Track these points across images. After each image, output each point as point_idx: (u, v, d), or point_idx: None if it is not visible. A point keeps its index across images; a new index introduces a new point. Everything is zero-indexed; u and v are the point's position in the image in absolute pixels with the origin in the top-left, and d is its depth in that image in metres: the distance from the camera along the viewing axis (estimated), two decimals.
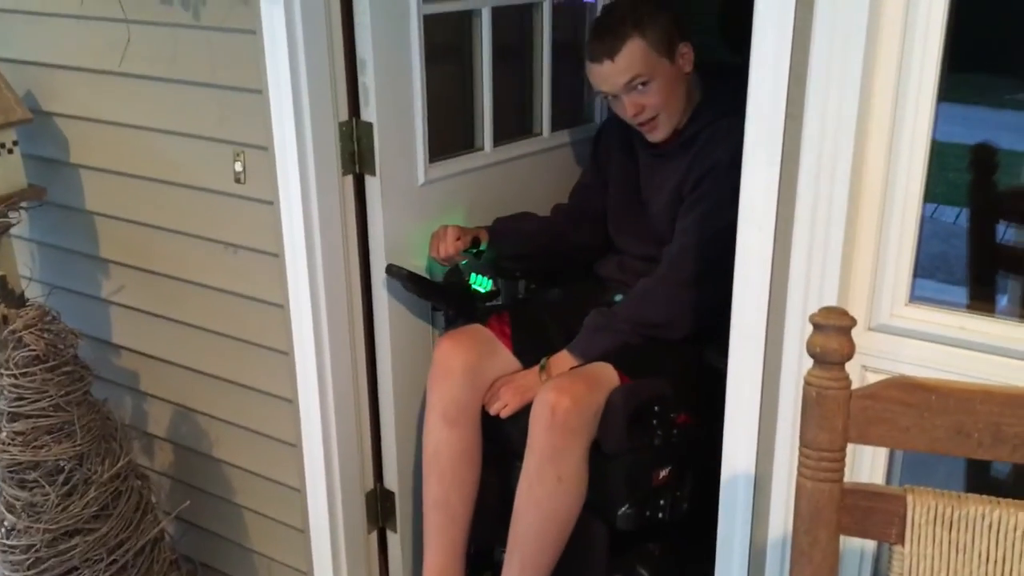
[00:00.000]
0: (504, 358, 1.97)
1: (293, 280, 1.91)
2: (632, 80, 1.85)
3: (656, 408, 1.77)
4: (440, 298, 2.06)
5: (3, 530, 2.03)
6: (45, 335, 1.95)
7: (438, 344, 1.96)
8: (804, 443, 0.97)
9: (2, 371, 1.97)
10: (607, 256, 2.15)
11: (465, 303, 2.07)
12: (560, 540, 1.81)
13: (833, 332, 0.94)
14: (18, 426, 1.96)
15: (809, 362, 0.97)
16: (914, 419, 0.94)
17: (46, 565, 1.98)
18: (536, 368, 1.90)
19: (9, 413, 1.96)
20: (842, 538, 1.08)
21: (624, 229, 2.11)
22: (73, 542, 1.98)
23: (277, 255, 1.92)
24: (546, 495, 1.76)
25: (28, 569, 1.98)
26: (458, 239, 1.98)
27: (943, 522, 0.94)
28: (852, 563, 1.44)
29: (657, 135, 1.94)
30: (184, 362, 2.19)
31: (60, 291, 2.31)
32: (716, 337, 1.73)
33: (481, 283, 2.07)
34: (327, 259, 1.90)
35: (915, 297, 1.30)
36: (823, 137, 1.26)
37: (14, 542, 1.99)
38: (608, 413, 1.75)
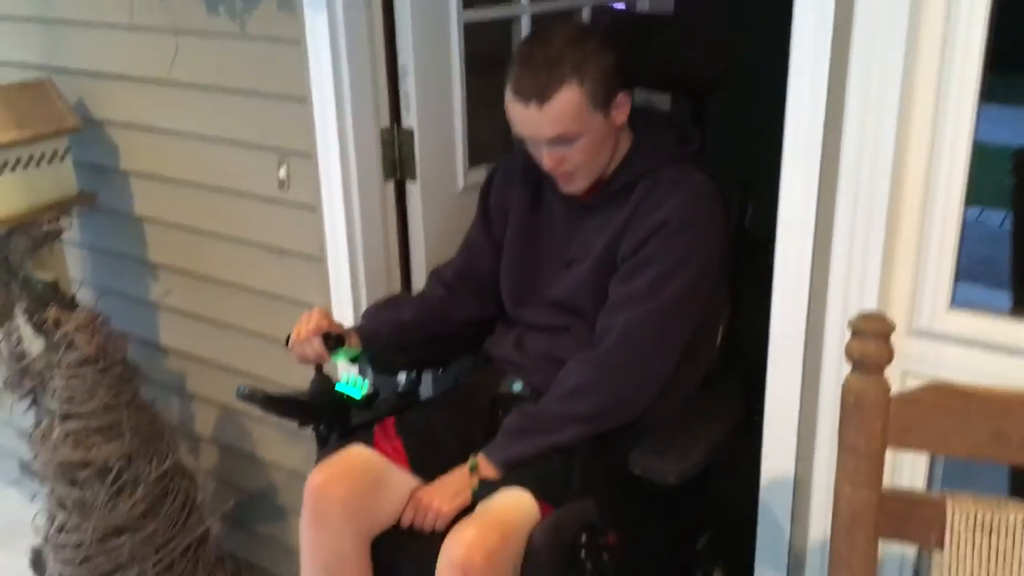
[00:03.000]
0: (401, 480, 1.59)
1: (336, 284, 1.94)
2: (559, 136, 1.54)
3: (584, 538, 1.43)
4: (306, 415, 1.70)
5: (54, 526, 2.08)
6: (95, 337, 2.00)
7: (308, 480, 1.55)
8: (842, 448, 0.98)
9: (54, 372, 2.03)
10: (500, 332, 1.80)
11: (339, 415, 1.70)
12: None
13: (871, 338, 0.95)
14: (70, 425, 2.01)
15: (849, 367, 0.98)
16: (952, 424, 0.94)
17: (96, 561, 2.03)
18: (464, 468, 1.55)
19: (61, 413, 2.02)
20: (883, 542, 1.08)
21: (524, 297, 1.75)
22: (121, 539, 2.03)
23: (320, 259, 1.95)
24: None
25: (79, 565, 2.03)
26: (324, 320, 1.64)
27: (983, 528, 0.93)
28: (892, 568, 1.43)
29: (572, 187, 1.64)
30: (230, 364, 2.24)
31: (110, 295, 2.36)
32: (642, 436, 1.53)
33: (354, 387, 1.70)
34: (369, 263, 1.93)
35: (957, 302, 1.30)
36: (863, 142, 1.26)
37: (65, 538, 2.05)
38: (532, 560, 1.40)
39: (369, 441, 1.62)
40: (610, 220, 1.63)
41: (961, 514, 0.93)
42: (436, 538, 1.44)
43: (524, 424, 1.56)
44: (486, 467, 1.54)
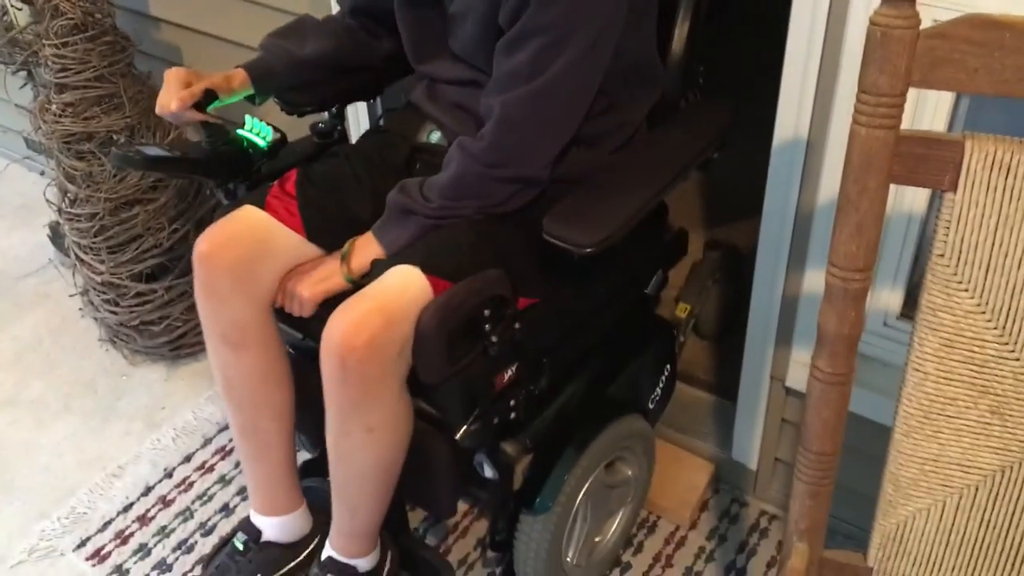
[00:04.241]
0: (292, 246, 1.41)
1: None
2: None
3: (487, 312, 1.28)
4: (199, 170, 1.50)
5: (66, 200, 2.10)
6: (81, 2, 1.90)
7: (194, 249, 1.40)
8: (862, 88, 0.92)
9: (43, 42, 1.96)
10: (417, 74, 1.54)
11: (240, 167, 1.48)
12: (388, 483, 1.42)
13: None
14: (66, 97, 1.97)
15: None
16: (983, 59, 0.88)
17: (111, 232, 2.07)
18: (337, 255, 1.37)
19: (56, 84, 1.97)
20: (891, 202, 1.05)
21: (424, 51, 1.48)
22: (134, 211, 2.06)
23: None
24: (357, 448, 1.35)
25: (94, 236, 2.07)
26: (187, 92, 1.40)
27: (1000, 168, 0.90)
28: (899, 226, 1.43)
29: None
30: (226, 35, 2.14)
31: None
32: (552, 197, 1.34)
33: (258, 131, 1.48)
34: None
35: None
36: None
37: (78, 210, 2.07)
38: (419, 345, 1.25)
39: (262, 201, 1.42)
40: None
41: (980, 154, 0.90)
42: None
43: (406, 204, 1.34)
44: (371, 247, 1.35)
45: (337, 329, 1.24)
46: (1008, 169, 0.90)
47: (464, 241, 1.32)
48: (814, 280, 1.53)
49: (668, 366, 1.73)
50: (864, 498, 1.12)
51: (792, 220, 1.51)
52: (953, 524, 1.03)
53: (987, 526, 1.02)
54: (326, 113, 1.61)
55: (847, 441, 1.08)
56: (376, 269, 1.31)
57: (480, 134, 1.32)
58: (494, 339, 1.29)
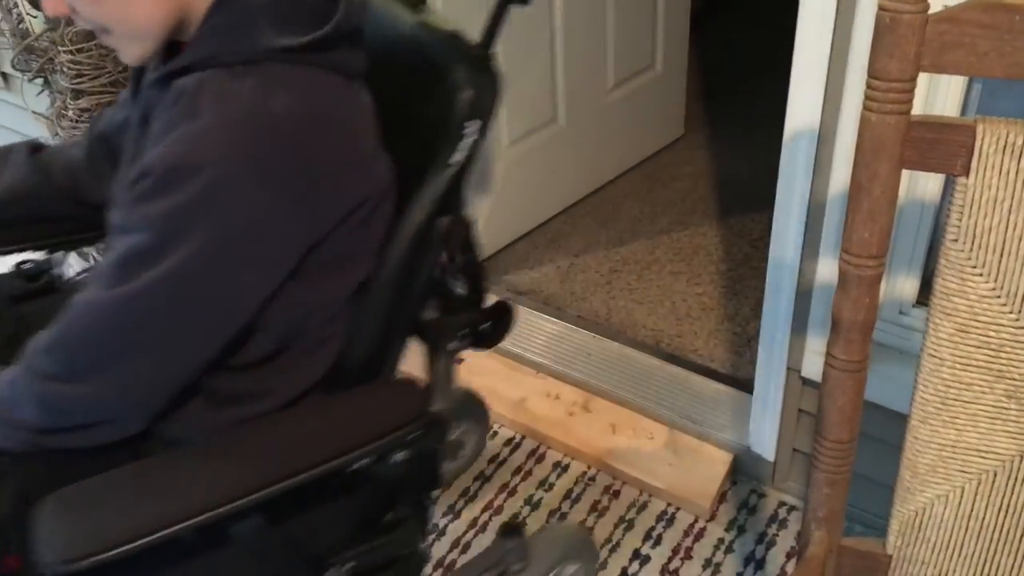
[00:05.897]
0: None
1: None
2: None
3: None
4: None
5: None
6: None
7: None
8: (872, 74, 0.92)
9: (59, 48, 1.97)
10: None
11: None
12: None
13: None
14: (82, 103, 1.99)
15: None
16: (994, 43, 0.88)
17: None
18: None
19: (72, 90, 1.99)
20: (904, 190, 1.05)
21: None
22: None
23: None
24: None
25: None
26: None
27: (1012, 151, 0.90)
28: (912, 214, 1.43)
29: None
30: None
31: None
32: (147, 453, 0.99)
33: None
34: None
35: None
36: None
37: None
38: None
39: None
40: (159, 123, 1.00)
41: (992, 137, 0.90)
42: None
43: None
44: None
45: None
46: (1021, 152, 0.90)
47: None
48: (828, 270, 1.53)
49: None
50: (882, 486, 1.12)
51: (805, 210, 1.51)
52: (972, 510, 1.03)
53: (1006, 511, 1.02)
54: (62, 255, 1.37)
55: (864, 430, 1.08)
56: None
57: (48, 330, 0.99)
58: None
